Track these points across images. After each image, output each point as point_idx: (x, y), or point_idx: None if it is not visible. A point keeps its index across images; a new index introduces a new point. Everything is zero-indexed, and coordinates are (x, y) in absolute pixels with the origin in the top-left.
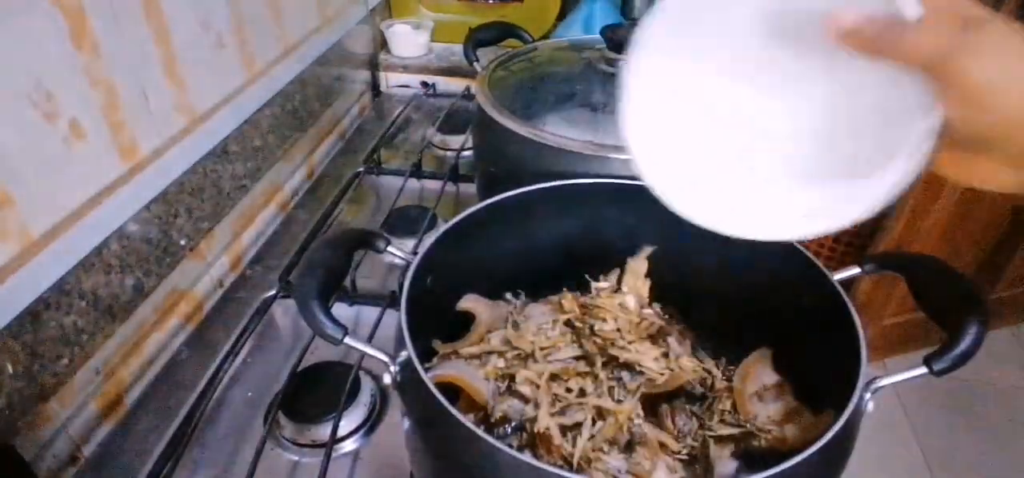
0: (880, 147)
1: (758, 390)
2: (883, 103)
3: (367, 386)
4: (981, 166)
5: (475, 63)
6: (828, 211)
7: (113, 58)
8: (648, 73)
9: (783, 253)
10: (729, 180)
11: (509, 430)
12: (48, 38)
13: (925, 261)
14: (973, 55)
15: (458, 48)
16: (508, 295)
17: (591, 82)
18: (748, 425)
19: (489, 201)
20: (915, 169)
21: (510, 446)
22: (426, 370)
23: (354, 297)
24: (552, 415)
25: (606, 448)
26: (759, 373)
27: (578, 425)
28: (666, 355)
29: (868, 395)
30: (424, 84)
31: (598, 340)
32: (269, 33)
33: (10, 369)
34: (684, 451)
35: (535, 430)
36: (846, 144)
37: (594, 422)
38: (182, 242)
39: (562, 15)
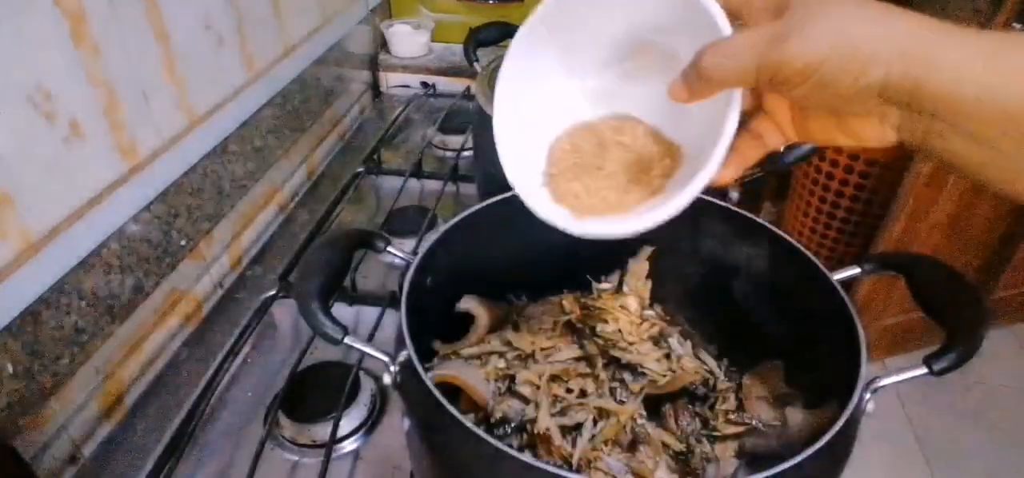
0: (704, 137)
1: (767, 395)
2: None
3: (367, 386)
4: (851, 127)
5: (475, 63)
6: (660, 204)
7: (113, 58)
8: (513, 82)
9: (783, 254)
10: (574, 179)
11: (509, 430)
12: (48, 38)
13: (925, 261)
14: (790, 39)
15: (458, 48)
16: (508, 295)
17: None
18: (753, 421)
19: (489, 201)
20: (724, 153)
21: (510, 446)
22: (426, 370)
23: (354, 297)
24: (552, 416)
25: (607, 448)
26: (770, 382)
27: (579, 426)
28: (668, 356)
29: (868, 395)
30: (424, 84)
31: (599, 341)
32: (269, 33)
33: (10, 369)
34: (685, 450)
35: (535, 431)
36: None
37: (595, 423)
38: (182, 242)
39: None
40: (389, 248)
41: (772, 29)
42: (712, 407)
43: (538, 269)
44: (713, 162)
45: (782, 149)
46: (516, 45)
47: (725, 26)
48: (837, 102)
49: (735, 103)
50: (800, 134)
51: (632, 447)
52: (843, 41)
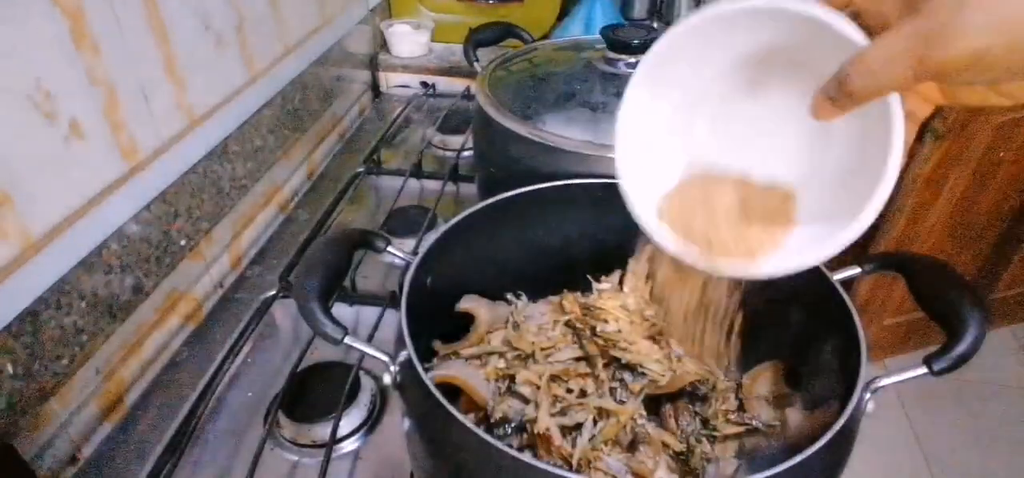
0: (860, 170)
1: (767, 395)
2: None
3: (367, 386)
4: (1008, 89)
5: (475, 63)
6: (819, 240)
7: (113, 58)
8: (639, 104)
9: None
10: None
11: (509, 430)
12: (48, 38)
13: (925, 261)
14: (948, 35)
15: (458, 48)
16: (508, 295)
17: (591, 82)
18: (753, 421)
19: (489, 201)
20: (897, 168)
21: (510, 446)
22: (426, 370)
23: (354, 297)
24: (552, 415)
25: (607, 448)
26: (771, 381)
27: (579, 426)
28: (668, 356)
29: (868, 395)
30: (424, 84)
31: (599, 341)
32: (269, 33)
33: (10, 369)
34: (685, 450)
35: (535, 431)
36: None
37: (595, 423)
38: (182, 242)
39: (562, 15)
40: (389, 248)
41: (920, 27)
42: (712, 407)
43: (538, 269)
44: (888, 174)
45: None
46: (638, 79)
47: (858, 36)
48: (1005, 78)
49: (897, 111)
50: (949, 99)
51: (632, 447)
52: (1004, 23)
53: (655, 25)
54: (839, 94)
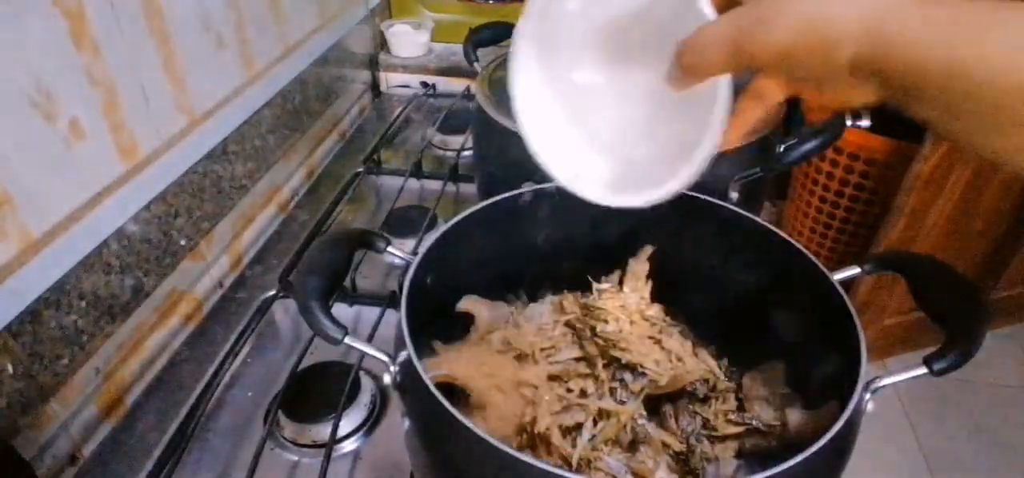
0: (695, 124)
1: (767, 395)
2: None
3: (367, 386)
4: (834, 93)
5: (475, 63)
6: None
7: (113, 58)
8: (526, 66)
9: (783, 254)
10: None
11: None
12: (48, 38)
13: (925, 261)
14: (757, 31)
15: (458, 48)
16: (508, 295)
17: None
18: (753, 421)
19: (489, 201)
20: (719, 132)
21: (510, 446)
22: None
23: (354, 297)
24: (552, 415)
25: (607, 448)
26: (771, 381)
27: (579, 426)
28: (668, 356)
29: (868, 395)
30: (424, 84)
31: (599, 341)
32: (269, 33)
33: (10, 369)
34: (685, 450)
35: (535, 431)
36: (669, 126)
37: (595, 423)
38: (182, 242)
39: None
40: (389, 248)
41: (742, 17)
42: (713, 407)
43: (538, 269)
44: (713, 129)
45: (780, 107)
46: (516, 48)
47: (708, 10)
48: (813, 78)
49: (723, 93)
50: (792, 90)
51: (632, 447)
52: (809, 26)
53: None
54: (675, 68)
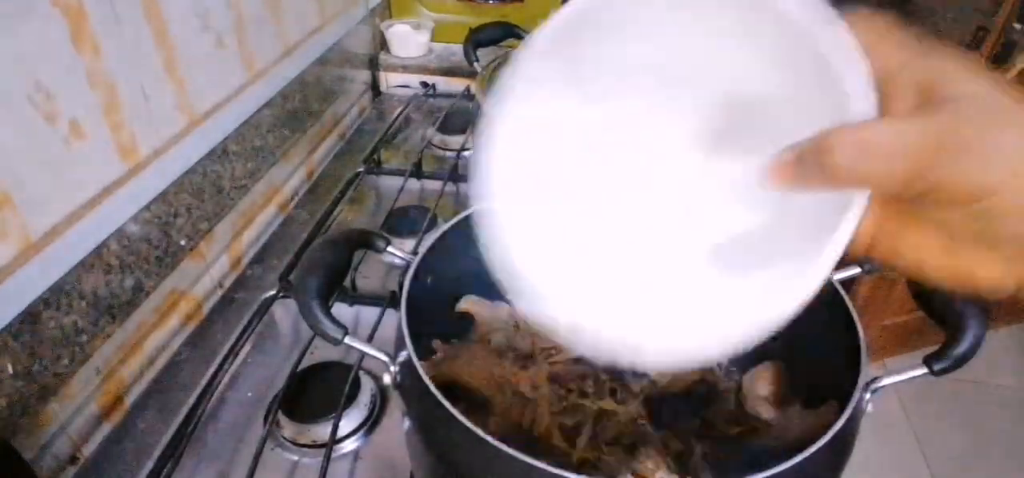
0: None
1: (767, 395)
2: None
3: (367, 386)
4: (963, 262)
5: (475, 63)
6: (741, 313)
7: (113, 58)
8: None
9: None
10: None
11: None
12: (48, 38)
13: None
14: (966, 154)
15: (458, 48)
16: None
17: None
18: (753, 421)
19: None
20: (837, 255)
21: (510, 446)
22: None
23: (354, 297)
24: (552, 415)
25: (607, 448)
26: (770, 381)
27: (579, 426)
28: None
29: (868, 395)
30: (424, 84)
31: None
32: (269, 33)
33: (10, 369)
34: (685, 450)
35: (535, 431)
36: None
37: (595, 423)
38: (182, 242)
39: None
40: (389, 248)
41: (933, 128)
42: (712, 408)
43: None
44: (814, 279)
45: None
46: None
47: (868, 99)
48: (986, 236)
49: (857, 207)
50: (885, 251)
51: (632, 447)
52: None
53: None
54: (813, 164)
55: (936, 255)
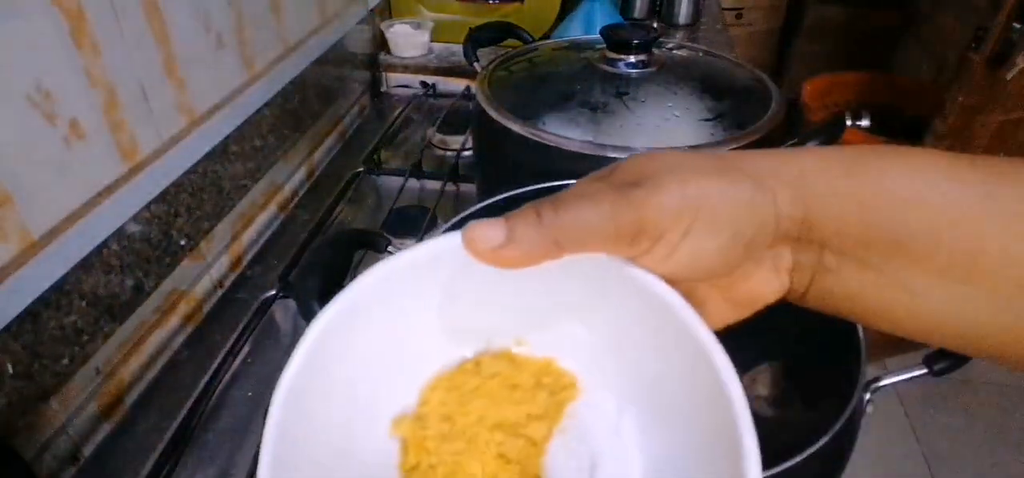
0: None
1: (767, 395)
2: None
3: None
4: (743, 290)
5: (475, 63)
6: None
7: (113, 58)
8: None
9: None
10: None
11: None
12: (48, 38)
13: None
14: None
15: (458, 48)
16: None
17: (591, 82)
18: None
19: (489, 201)
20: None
21: None
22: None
23: None
24: None
25: None
26: (770, 381)
27: None
28: None
29: (868, 395)
30: (424, 84)
31: None
32: (269, 33)
33: (10, 369)
34: None
35: None
36: None
37: None
38: (182, 242)
39: (562, 15)
40: (389, 248)
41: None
42: None
43: None
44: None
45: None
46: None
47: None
48: (738, 247)
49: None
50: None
51: None
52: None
53: (655, 25)
54: (550, 241)
55: (719, 307)
